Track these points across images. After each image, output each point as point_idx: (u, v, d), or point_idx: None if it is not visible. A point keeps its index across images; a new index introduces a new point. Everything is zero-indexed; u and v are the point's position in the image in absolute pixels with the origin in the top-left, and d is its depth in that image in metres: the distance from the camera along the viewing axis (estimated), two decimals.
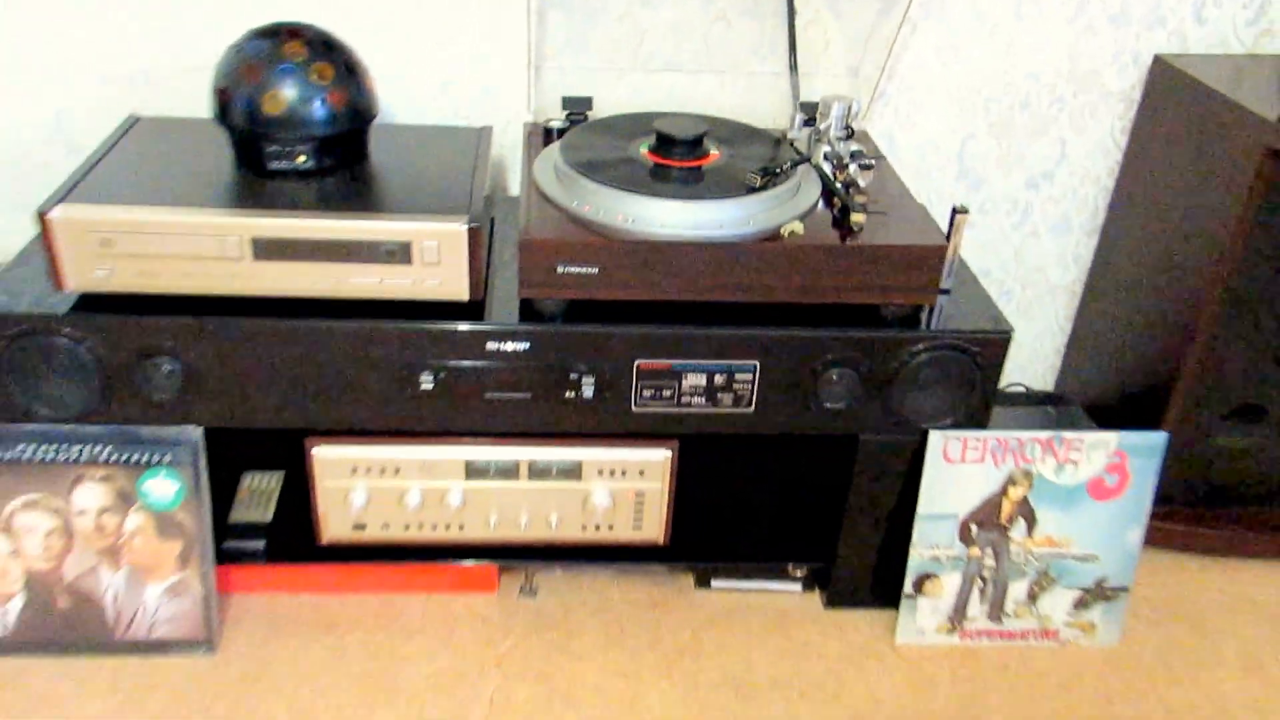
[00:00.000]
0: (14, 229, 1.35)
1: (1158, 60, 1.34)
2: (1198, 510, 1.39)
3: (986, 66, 1.37)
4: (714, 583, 1.30)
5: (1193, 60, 1.33)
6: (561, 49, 1.33)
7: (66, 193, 1.04)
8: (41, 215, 1.01)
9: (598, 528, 1.22)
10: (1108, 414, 1.46)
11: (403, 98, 1.35)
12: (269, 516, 1.26)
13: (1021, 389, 1.54)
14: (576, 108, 1.30)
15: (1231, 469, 1.37)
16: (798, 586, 1.30)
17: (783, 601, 1.30)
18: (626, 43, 1.33)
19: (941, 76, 1.39)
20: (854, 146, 1.21)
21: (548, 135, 1.27)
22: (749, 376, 1.12)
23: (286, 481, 1.32)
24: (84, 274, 1.04)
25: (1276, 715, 1.19)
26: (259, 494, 1.29)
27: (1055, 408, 1.46)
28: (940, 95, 1.39)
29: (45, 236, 1.01)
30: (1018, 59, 1.37)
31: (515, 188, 1.40)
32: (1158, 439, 1.18)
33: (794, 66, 1.31)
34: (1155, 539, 1.37)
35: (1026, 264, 1.52)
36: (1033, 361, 1.60)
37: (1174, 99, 1.32)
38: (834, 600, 1.29)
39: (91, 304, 1.06)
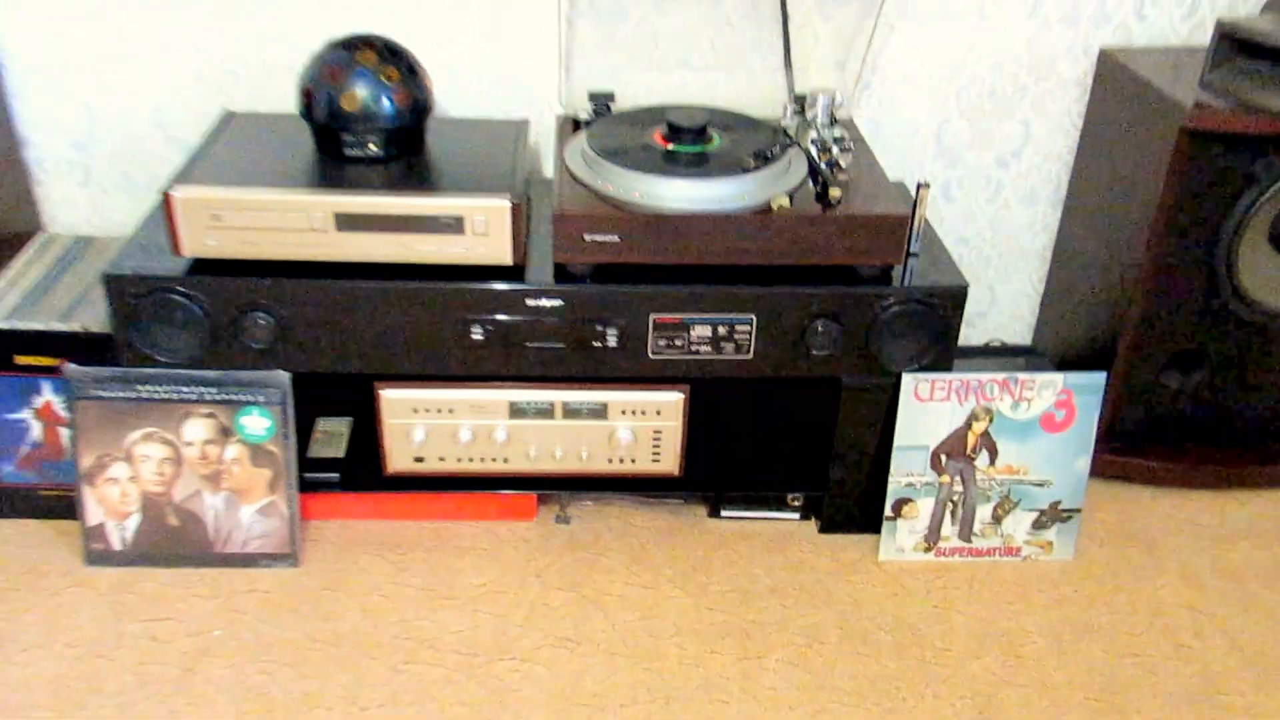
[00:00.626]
0: (122, 207, 1.65)
1: (1103, 53, 1.60)
2: (1147, 445, 1.65)
3: (956, 59, 1.64)
4: (723, 512, 1.57)
5: (1135, 53, 1.59)
6: (589, 50, 1.60)
7: (184, 176, 1.32)
8: (165, 194, 1.29)
9: (622, 461, 1.49)
10: (1074, 364, 1.71)
11: (453, 94, 1.63)
12: (341, 453, 1.54)
13: (999, 343, 1.81)
14: (601, 101, 1.57)
15: (1175, 408, 1.63)
16: (796, 515, 1.57)
17: (782, 528, 1.56)
18: (644, 45, 1.60)
19: (918, 69, 1.65)
20: (837, 132, 1.47)
21: (576, 125, 1.54)
22: (747, 328, 1.38)
23: (354, 426, 1.60)
24: (197, 242, 1.31)
25: (1209, 616, 1.44)
26: (331, 435, 1.57)
27: (1026, 359, 1.72)
28: (917, 85, 1.66)
29: (168, 211, 1.29)
30: (983, 52, 1.63)
31: (548, 170, 1.67)
32: (1098, 378, 1.44)
33: (788, 63, 1.57)
34: (1108, 471, 1.63)
35: (1001, 233, 1.78)
36: (1011, 321, 1.86)
37: (1116, 86, 1.58)
38: (827, 526, 1.55)
39: (202, 268, 1.34)
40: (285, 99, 1.61)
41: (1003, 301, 1.84)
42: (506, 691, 1.30)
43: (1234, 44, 1.46)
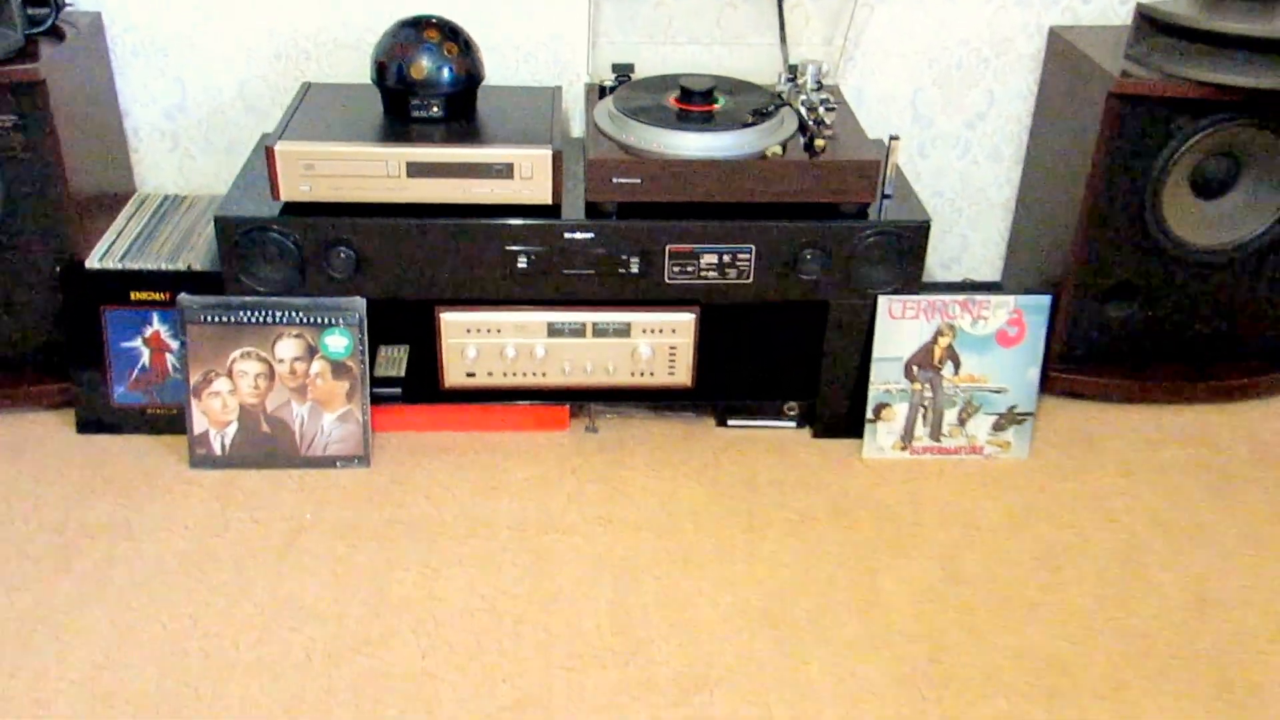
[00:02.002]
0: (205, 169, 2.12)
1: (1053, 31, 2.05)
2: (1096, 366, 2.09)
3: (928, 35, 2.09)
4: (730, 421, 2.01)
5: (1080, 31, 2.03)
6: (612, 29, 2.05)
7: (281, 133, 1.75)
8: (268, 148, 1.72)
9: (643, 374, 1.93)
10: None
11: (499, 66, 2.08)
12: (402, 373, 1.98)
13: (969, 280, 2.26)
14: (622, 71, 2.01)
15: (1119, 333, 2.06)
16: (792, 424, 2.01)
17: (781, 435, 2.00)
18: (659, 23, 2.05)
19: (895, 44, 2.10)
20: (823, 95, 1.91)
21: (602, 91, 1.98)
22: (747, 256, 1.82)
23: (410, 351, 2.03)
24: (292, 188, 1.75)
25: (1138, 499, 1.88)
26: (392, 359, 2.00)
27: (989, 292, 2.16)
28: (894, 58, 2.11)
29: (270, 162, 1.72)
30: (951, 29, 2.08)
31: (577, 131, 2.12)
32: (1043, 300, 1.87)
33: (782, 39, 2.02)
34: (1063, 388, 2.07)
35: (971, 186, 2.23)
36: (981, 264, 2.31)
37: (1063, 59, 2.02)
38: (819, 432, 1.99)
39: (294, 210, 1.78)
40: (352, 73, 2.07)
41: (974, 247, 2.29)
42: (552, 556, 1.73)
43: (1152, 23, 1.90)
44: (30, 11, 1.86)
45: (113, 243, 1.93)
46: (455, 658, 1.56)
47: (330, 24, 2.03)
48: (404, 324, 2.02)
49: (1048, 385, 2.07)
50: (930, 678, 1.55)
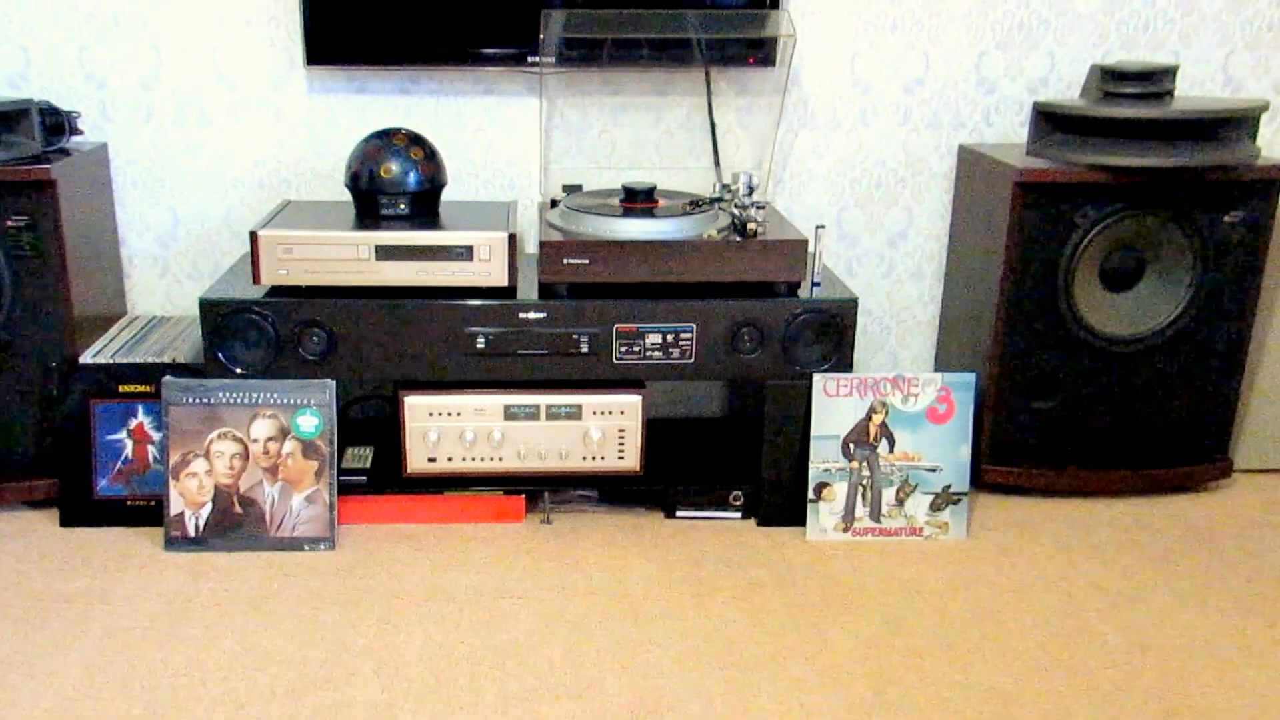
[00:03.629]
0: (191, 294, 2.28)
1: (962, 148, 2.26)
2: (1027, 460, 2.18)
3: (847, 158, 2.30)
4: (678, 512, 2.08)
5: (986, 147, 2.23)
6: (561, 156, 2.25)
7: (265, 225, 1.91)
8: (252, 234, 1.88)
9: (594, 458, 2.02)
10: None
11: (458, 189, 2.27)
12: (367, 465, 2.06)
13: None
14: (572, 190, 2.19)
15: (1046, 427, 2.17)
16: (738, 514, 2.09)
17: (727, 524, 2.08)
18: (604, 150, 2.26)
19: (818, 167, 2.31)
20: (753, 199, 2.08)
21: (553, 204, 2.15)
22: (689, 336, 1.95)
23: (375, 452, 2.13)
24: (272, 273, 1.90)
25: (1077, 566, 1.95)
26: (358, 457, 2.10)
27: None
28: (819, 180, 2.31)
29: (253, 247, 1.88)
30: (869, 152, 2.30)
31: (530, 243, 2.28)
32: (969, 377, 1.99)
33: (716, 162, 2.22)
34: (999, 483, 2.17)
35: (897, 304, 2.40)
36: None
37: (973, 172, 2.23)
38: (763, 520, 2.07)
39: (273, 294, 1.91)
40: (329, 198, 2.24)
41: (903, 363, 2.44)
42: (506, 616, 1.78)
43: (1050, 118, 2.11)
44: (48, 134, 2.05)
45: (104, 345, 2.06)
46: (414, 691, 1.61)
47: (309, 156, 2.23)
48: (368, 429, 2.15)
49: (981, 481, 2.17)
50: (878, 707, 1.59)
